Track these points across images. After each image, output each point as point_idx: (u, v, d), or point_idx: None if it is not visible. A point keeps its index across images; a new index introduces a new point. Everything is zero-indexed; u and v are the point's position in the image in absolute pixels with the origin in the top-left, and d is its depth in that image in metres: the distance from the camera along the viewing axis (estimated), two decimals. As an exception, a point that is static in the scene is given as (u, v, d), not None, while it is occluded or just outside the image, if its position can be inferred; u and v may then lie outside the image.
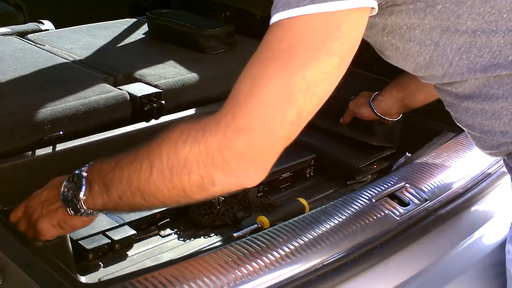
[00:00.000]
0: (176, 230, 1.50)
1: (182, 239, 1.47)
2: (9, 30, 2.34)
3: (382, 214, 1.28)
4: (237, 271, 1.07)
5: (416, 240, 1.29)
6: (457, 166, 1.49)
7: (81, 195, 1.13)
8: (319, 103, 0.97)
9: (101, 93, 1.80)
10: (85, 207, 1.14)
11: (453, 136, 1.65)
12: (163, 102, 1.85)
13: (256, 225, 1.47)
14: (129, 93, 1.83)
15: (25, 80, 1.86)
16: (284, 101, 0.94)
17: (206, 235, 1.49)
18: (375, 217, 1.27)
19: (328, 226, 1.22)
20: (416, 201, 1.34)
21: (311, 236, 1.19)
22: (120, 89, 1.85)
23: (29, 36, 2.30)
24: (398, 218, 1.28)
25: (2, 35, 2.29)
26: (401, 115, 1.85)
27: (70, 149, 1.60)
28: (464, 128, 1.19)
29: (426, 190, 1.38)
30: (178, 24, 2.31)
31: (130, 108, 1.82)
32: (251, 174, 0.99)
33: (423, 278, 1.26)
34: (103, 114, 1.76)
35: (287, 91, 0.93)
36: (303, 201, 1.55)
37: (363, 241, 1.22)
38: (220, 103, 1.00)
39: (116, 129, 1.72)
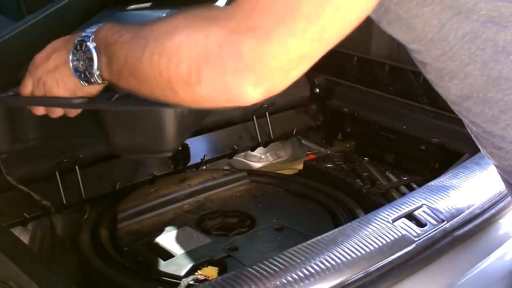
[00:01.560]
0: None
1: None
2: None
3: (400, 234, 1.28)
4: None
5: (434, 261, 1.29)
6: (474, 186, 1.49)
7: (95, 68, 1.05)
8: (341, 33, 0.88)
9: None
10: (99, 81, 1.06)
11: (470, 156, 1.65)
12: None
13: None
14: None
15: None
16: (314, 11, 0.84)
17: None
18: (392, 238, 1.27)
19: (345, 247, 1.23)
20: (434, 221, 1.34)
21: (329, 257, 1.19)
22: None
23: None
24: (415, 239, 1.28)
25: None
26: None
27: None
28: (467, 124, 1.14)
29: (443, 210, 1.37)
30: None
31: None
32: (245, 87, 0.86)
33: (441, 299, 1.26)
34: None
35: (319, 1, 0.85)
36: None
37: (380, 262, 1.22)
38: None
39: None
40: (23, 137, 1.47)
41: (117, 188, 1.76)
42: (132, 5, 1.83)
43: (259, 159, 2.34)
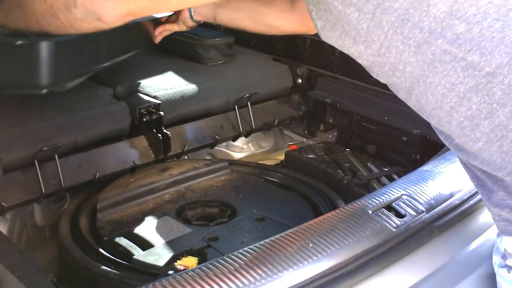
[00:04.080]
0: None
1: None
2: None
3: (379, 225, 1.28)
4: (231, 282, 1.08)
5: (412, 251, 1.30)
6: (454, 177, 1.50)
7: None
8: None
9: (100, 104, 1.81)
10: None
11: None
12: (162, 113, 1.86)
13: None
14: (128, 104, 1.84)
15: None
16: None
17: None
18: (371, 229, 1.27)
19: (325, 237, 1.23)
20: (413, 212, 1.34)
21: (307, 248, 1.19)
22: (119, 100, 1.87)
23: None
24: (394, 230, 1.29)
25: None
26: None
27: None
28: (426, 119, 1.17)
29: (422, 201, 1.38)
30: (178, 33, 2.32)
31: (129, 119, 1.83)
32: (107, 7, 1.14)
33: (419, 289, 1.27)
34: (102, 126, 1.77)
35: None
36: None
37: (359, 253, 1.22)
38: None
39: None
40: None
41: (97, 177, 1.75)
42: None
43: (240, 149, 2.34)
